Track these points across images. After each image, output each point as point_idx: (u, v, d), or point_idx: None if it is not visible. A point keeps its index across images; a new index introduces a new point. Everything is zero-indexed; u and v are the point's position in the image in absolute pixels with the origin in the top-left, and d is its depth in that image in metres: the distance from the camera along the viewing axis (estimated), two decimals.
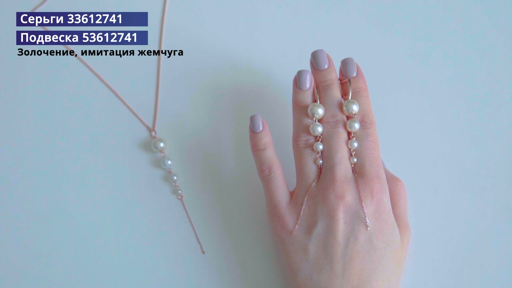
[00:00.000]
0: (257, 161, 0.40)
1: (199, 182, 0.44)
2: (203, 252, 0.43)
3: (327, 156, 0.38)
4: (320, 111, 0.38)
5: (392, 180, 0.39)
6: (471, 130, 0.45)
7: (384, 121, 0.44)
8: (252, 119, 0.40)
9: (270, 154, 0.40)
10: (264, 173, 0.39)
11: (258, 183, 0.44)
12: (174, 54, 0.47)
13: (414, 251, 0.42)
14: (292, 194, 0.39)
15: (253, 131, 0.40)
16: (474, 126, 0.45)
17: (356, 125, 0.38)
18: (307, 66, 0.41)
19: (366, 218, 0.36)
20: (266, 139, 0.40)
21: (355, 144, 0.38)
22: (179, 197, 0.44)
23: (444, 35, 0.47)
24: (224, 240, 0.43)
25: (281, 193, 0.39)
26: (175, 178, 0.44)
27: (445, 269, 0.42)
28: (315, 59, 0.39)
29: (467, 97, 0.45)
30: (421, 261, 0.42)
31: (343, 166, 0.37)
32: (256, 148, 0.40)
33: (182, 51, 0.47)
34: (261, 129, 0.40)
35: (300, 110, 0.39)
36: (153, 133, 0.45)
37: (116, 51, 0.47)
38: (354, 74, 0.39)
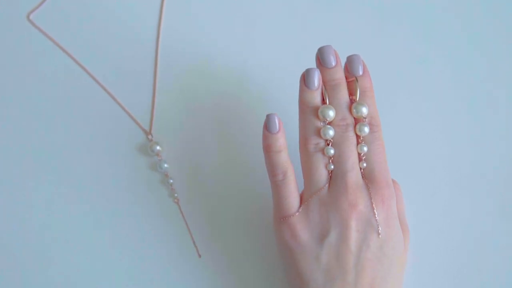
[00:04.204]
0: (269, 164, 0.37)
1: (195, 186, 0.44)
2: (199, 256, 0.43)
3: (338, 161, 0.37)
4: (332, 114, 0.36)
5: None
6: (470, 133, 0.45)
7: (382, 123, 0.43)
8: (269, 118, 0.37)
9: (285, 157, 0.37)
10: (277, 177, 0.37)
11: (256, 187, 0.43)
12: (172, 57, 0.47)
13: (413, 254, 0.42)
14: (300, 200, 0.38)
15: (269, 131, 0.37)
16: (473, 129, 0.45)
17: (366, 129, 0.37)
18: (305, 67, 0.41)
19: (378, 226, 0.36)
20: (282, 140, 0.37)
21: (365, 149, 0.37)
22: (176, 200, 0.44)
23: (444, 38, 0.47)
24: (221, 244, 0.43)
25: (293, 200, 0.37)
26: (171, 181, 0.44)
27: (444, 272, 0.42)
28: (322, 55, 0.37)
29: (466, 100, 0.45)
30: (420, 264, 0.42)
31: (355, 173, 0.36)
32: (270, 149, 0.37)
33: (179, 54, 0.47)
34: (277, 129, 0.37)
35: (309, 111, 0.37)
36: (149, 136, 0.45)
37: (113, 53, 0.47)
38: (360, 73, 0.38)
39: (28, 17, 0.48)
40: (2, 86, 0.47)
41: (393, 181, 0.40)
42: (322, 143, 0.37)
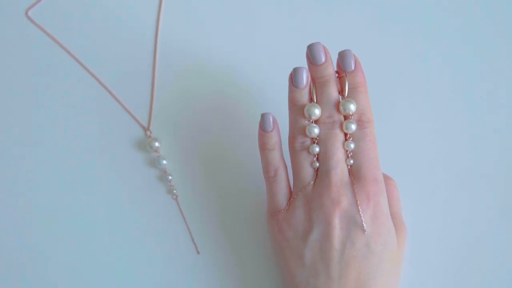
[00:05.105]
0: (264, 161, 0.39)
1: (194, 182, 0.44)
2: (198, 253, 0.43)
3: (323, 159, 0.37)
4: (317, 112, 0.37)
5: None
6: (469, 131, 0.44)
7: (381, 121, 0.43)
8: (263, 117, 0.38)
9: (278, 155, 0.38)
10: (269, 174, 0.38)
11: (254, 183, 0.43)
12: (170, 53, 0.47)
13: (411, 253, 0.41)
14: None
15: (263, 130, 0.38)
16: (471, 127, 0.44)
17: (353, 126, 0.36)
18: (304, 65, 0.40)
19: (363, 223, 0.35)
20: (276, 139, 0.38)
21: (352, 146, 0.36)
22: (174, 197, 0.44)
23: (443, 36, 0.46)
24: (219, 240, 0.43)
25: (283, 197, 0.38)
26: (170, 177, 0.44)
27: (443, 270, 0.41)
28: (311, 52, 0.37)
29: (466, 99, 0.45)
30: (418, 262, 0.41)
31: (340, 170, 0.36)
32: (264, 147, 0.38)
33: (178, 50, 0.47)
34: (271, 128, 0.38)
35: (296, 110, 0.37)
36: (148, 133, 0.45)
37: (112, 49, 0.47)
38: (352, 68, 0.37)
39: (26, 13, 0.48)
40: (0, 83, 0.47)
41: (388, 177, 0.40)
42: (308, 141, 0.37)
